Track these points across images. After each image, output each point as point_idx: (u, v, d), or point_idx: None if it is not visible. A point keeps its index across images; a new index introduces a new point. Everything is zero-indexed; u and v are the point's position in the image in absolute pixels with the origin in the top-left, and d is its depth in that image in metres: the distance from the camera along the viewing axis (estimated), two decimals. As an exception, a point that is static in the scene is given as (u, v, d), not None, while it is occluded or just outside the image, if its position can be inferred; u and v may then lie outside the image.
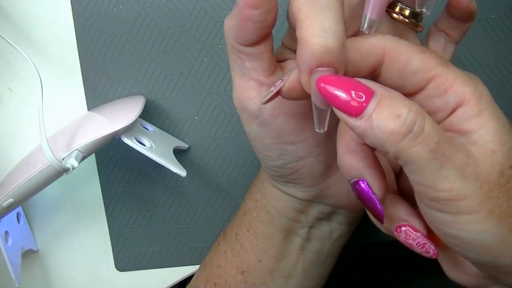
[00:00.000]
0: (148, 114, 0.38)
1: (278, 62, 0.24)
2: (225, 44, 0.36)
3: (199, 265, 0.35)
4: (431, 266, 0.46)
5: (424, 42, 0.27)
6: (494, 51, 0.36)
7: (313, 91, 0.19)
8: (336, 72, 0.19)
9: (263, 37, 0.22)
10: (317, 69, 0.19)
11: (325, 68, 0.18)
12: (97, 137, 0.32)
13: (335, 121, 0.26)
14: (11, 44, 0.32)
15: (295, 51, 0.22)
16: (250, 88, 0.23)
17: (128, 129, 0.33)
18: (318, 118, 0.20)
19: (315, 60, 0.18)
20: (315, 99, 0.19)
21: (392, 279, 0.45)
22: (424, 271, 0.46)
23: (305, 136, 0.25)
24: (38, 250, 0.40)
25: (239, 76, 0.23)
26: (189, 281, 0.36)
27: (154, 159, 0.33)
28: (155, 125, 0.37)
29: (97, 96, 0.38)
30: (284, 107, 0.24)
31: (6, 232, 0.36)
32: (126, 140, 0.33)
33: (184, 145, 0.38)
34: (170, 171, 0.33)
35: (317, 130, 0.21)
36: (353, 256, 0.37)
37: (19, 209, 0.39)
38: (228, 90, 0.37)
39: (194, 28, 0.36)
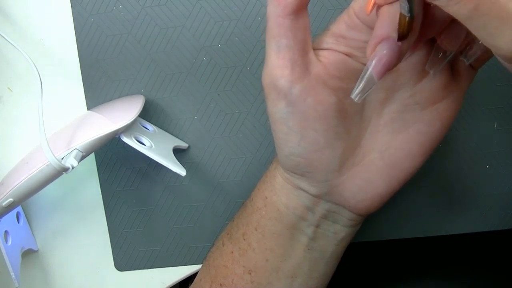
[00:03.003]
0: (148, 113, 0.38)
1: (315, 49, 0.26)
2: (224, 43, 0.36)
3: (199, 265, 0.35)
4: (431, 266, 0.46)
5: None
6: (494, 50, 0.36)
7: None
8: None
9: (302, 5, 0.23)
10: None
11: None
12: (96, 137, 0.32)
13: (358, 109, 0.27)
14: (11, 44, 0.32)
15: (341, 37, 0.25)
16: (283, 66, 0.24)
17: (127, 129, 0.33)
18: (361, 87, 0.22)
19: None
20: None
21: (391, 278, 0.45)
22: (423, 271, 0.46)
23: (328, 125, 0.26)
24: (38, 250, 0.40)
25: (275, 53, 0.24)
26: (190, 282, 0.36)
27: (153, 159, 0.33)
28: (154, 125, 0.37)
29: (97, 95, 0.38)
30: (314, 90, 0.25)
31: (6, 232, 0.36)
32: (126, 140, 0.33)
33: (184, 145, 0.38)
34: (170, 170, 0.33)
35: (352, 96, 0.22)
36: (352, 255, 0.37)
37: (19, 208, 0.39)
38: (228, 90, 0.37)
39: (194, 28, 0.36)
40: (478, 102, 0.37)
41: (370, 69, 0.21)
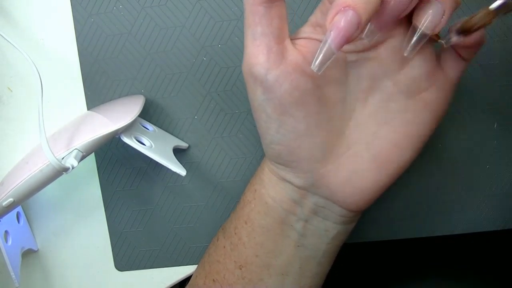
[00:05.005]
0: (148, 113, 0.38)
1: (293, 39, 0.26)
2: (224, 43, 0.36)
3: (198, 265, 0.35)
4: (431, 266, 0.46)
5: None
6: (494, 51, 0.36)
7: None
8: None
9: None
10: None
11: None
12: (96, 137, 0.32)
13: (334, 96, 0.27)
14: (11, 44, 0.32)
15: (317, 26, 0.25)
16: (259, 53, 0.25)
17: (127, 129, 0.33)
18: (321, 59, 0.22)
19: None
20: None
21: (390, 279, 0.45)
22: (423, 271, 0.46)
23: (307, 111, 0.26)
24: (38, 250, 0.40)
25: (251, 41, 0.25)
26: (189, 281, 0.36)
27: (153, 159, 0.33)
28: (154, 125, 0.37)
29: (97, 95, 0.38)
30: (290, 76, 0.25)
31: (6, 232, 0.36)
32: (126, 140, 0.33)
33: (184, 145, 0.38)
34: (170, 170, 0.33)
35: (311, 67, 0.22)
36: (350, 255, 0.37)
37: (19, 208, 0.39)
38: (228, 90, 0.37)
39: (194, 28, 0.36)
40: (478, 102, 0.37)
41: (328, 41, 0.21)
